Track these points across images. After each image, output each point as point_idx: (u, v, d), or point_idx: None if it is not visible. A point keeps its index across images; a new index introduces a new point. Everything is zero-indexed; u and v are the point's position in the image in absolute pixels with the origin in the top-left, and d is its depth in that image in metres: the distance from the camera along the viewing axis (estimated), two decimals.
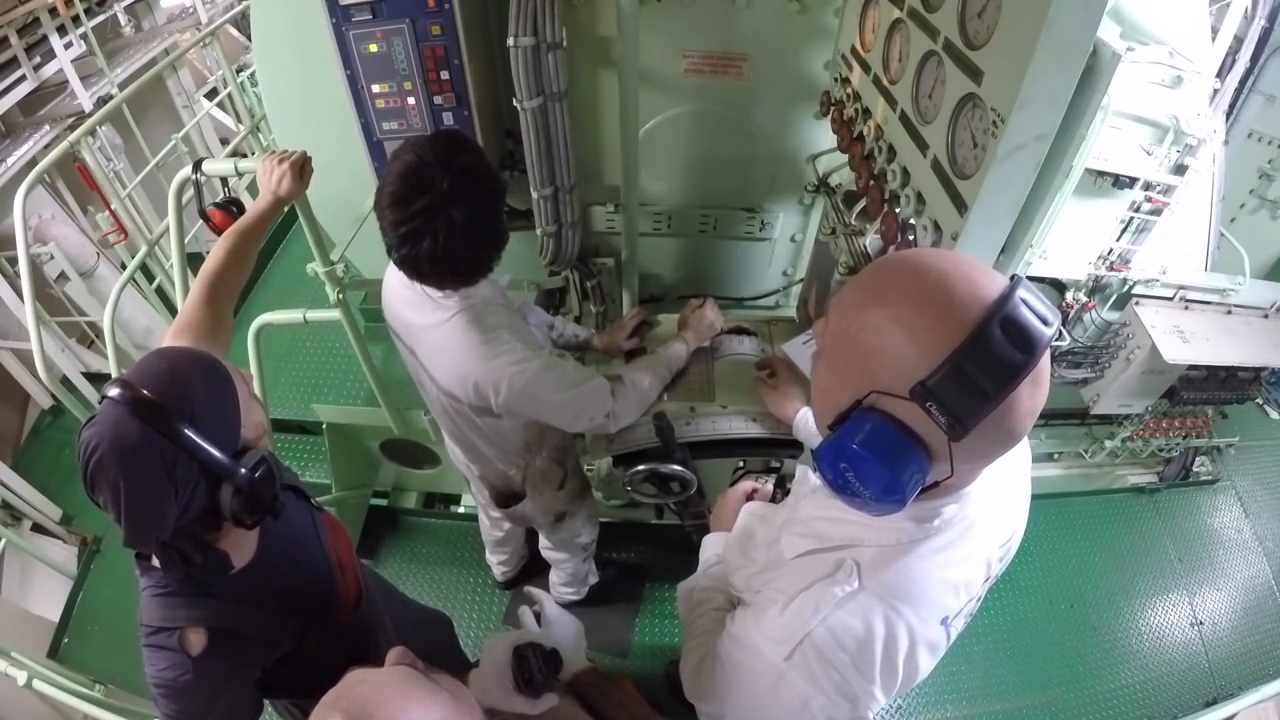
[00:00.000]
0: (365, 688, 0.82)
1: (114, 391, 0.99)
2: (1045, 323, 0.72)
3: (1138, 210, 2.34)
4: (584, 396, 1.67)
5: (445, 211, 1.34)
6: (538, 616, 1.36)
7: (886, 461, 0.76)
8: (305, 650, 1.29)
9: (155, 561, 1.13)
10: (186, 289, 1.82)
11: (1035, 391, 0.74)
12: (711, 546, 1.42)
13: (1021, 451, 1.09)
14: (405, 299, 1.63)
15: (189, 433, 1.00)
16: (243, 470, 1.05)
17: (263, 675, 1.28)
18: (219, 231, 1.68)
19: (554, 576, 2.67)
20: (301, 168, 1.63)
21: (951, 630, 0.95)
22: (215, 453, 1.02)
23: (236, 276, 1.52)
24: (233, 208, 1.80)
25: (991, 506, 0.96)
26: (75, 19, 5.75)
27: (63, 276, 5.01)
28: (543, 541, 2.49)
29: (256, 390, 2.46)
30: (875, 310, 0.78)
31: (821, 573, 0.93)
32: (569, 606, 2.75)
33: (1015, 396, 0.72)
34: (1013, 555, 1.07)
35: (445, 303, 1.56)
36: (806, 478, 1.17)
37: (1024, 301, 0.72)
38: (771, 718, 1.00)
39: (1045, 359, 0.74)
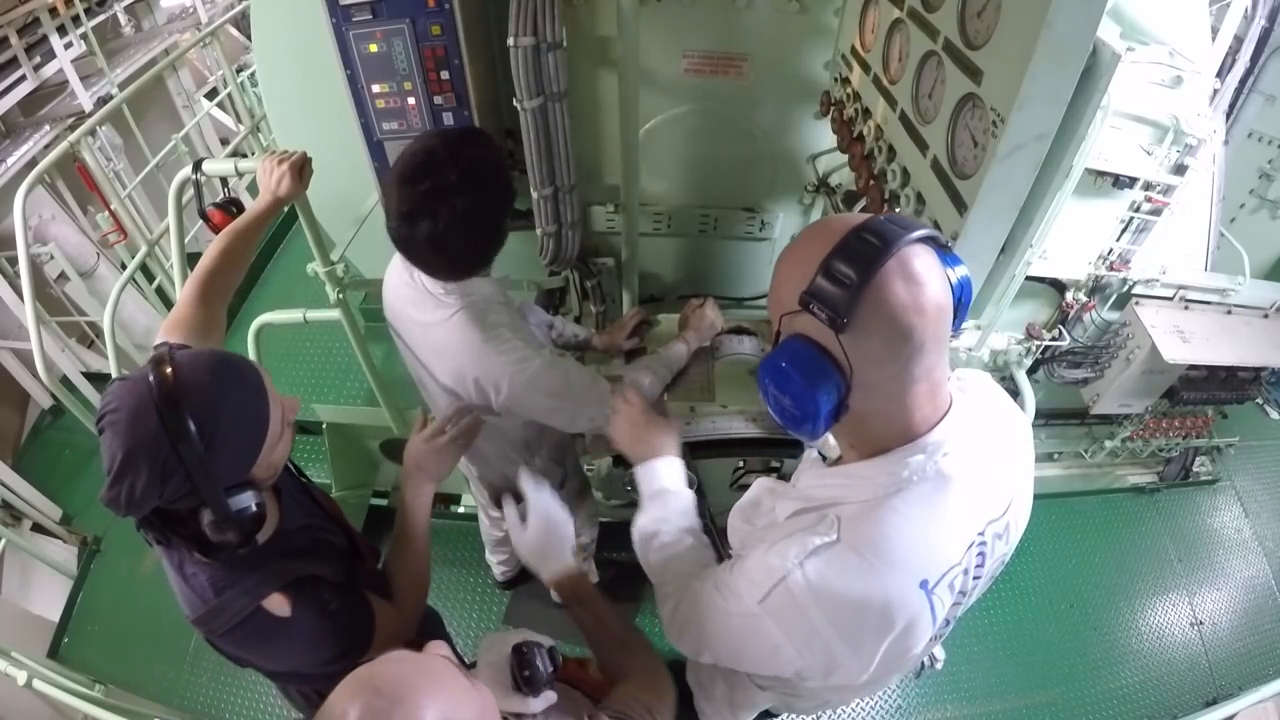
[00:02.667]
0: (403, 669, 0.81)
1: (153, 373, 0.99)
2: (904, 228, 0.85)
3: (1138, 210, 2.34)
4: (584, 397, 1.66)
5: (448, 198, 1.36)
6: (521, 512, 1.39)
7: (797, 368, 0.88)
8: (361, 586, 1.32)
9: (191, 563, 1.13)
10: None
11: (911, 288, 0.83)
12: (650, 476, 1.41)
13: (1016, 433, 1.11)
14: (406, 297, 1.63)
15: (197, 453, 0.99)
16: (230, 508, 1.04)
17: None
18: (219, 232, 1.67)
19: None
20: (301, 168, 1.62)
21: (936, 599, 0.95)
22: (212, 483, 1.02)
23: (231, 275, 1.52)
24: (233, 208, 1.80)
25: (975, 470, 0.98)
26: (75, 19, 5.75)
27: (63, 276, 5.00)
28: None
29: None
30: (783, 256, 0.94)
31: (804, 526, 0.99)
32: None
33: (886, 286, 0.83)
34: (1014, 542, 1.08)
35: (446, 300, 1.56)
36: (807, 459, 1.21)
37: (886, 219, 0.87)
38: (745, 661, 1.08)
39: (924, 265, 0.85)
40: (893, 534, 0.93)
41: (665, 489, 1.40)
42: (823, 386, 0.87)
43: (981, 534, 0.99)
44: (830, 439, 1.09)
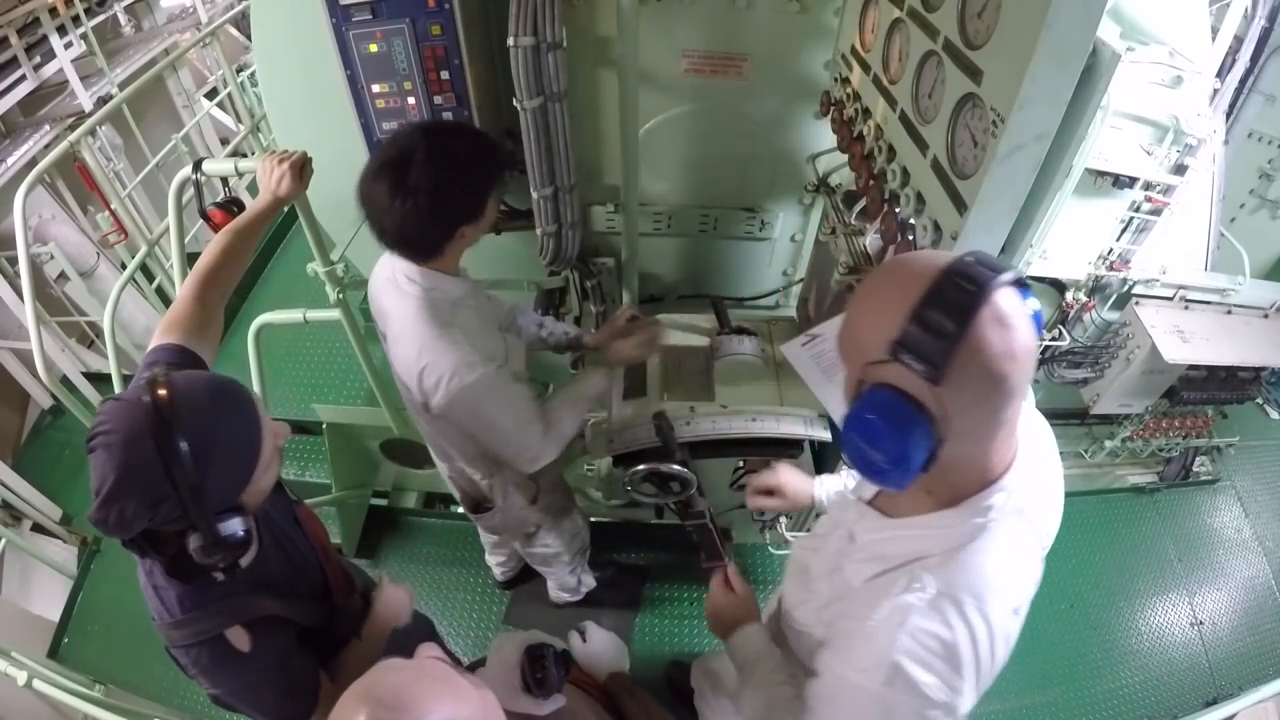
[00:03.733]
0: (401, 677, 0.82)
1: (148, 396, 0.98)
2: (994, 270, 0.82)
3: (1138, 210, 2.34)
4: (518, 429, 1.68)
5: (411, 175, 1.40)
6: (582, 635, 1.47)
7: (887, 421, 0.84)
8: (337, 632, 1.34)
9: (160, 576, 1.13)
10: None
11: (1005, 332, 0.81)
12: (744, 642, 1.34)
13: (1050, 447, 1.13)
14: (383, 288, 1.64)
15: (189, 479, 0.98)
16: (220, 533, 1.04)
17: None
18: (219, 231, 1.68)
19: (550, 584, 2.68)
20: (301, 168, 1.62)
21: (1022, 616, 0.98)
22: (203, 508, 1.01)
23: (230, 275, 1.52)
24: (233, 207, 1.81)
25: (1037, 497, 1.00)
26: (75, 19, 5.75)
27: (63, 276, 5.00)
28: (525, 549, 2.47)
29: (256, 390, 2.47)
30: (860, 299, 0.90)
31: (895, 590, 0.94)
32: (566, 606, 2.75)
33: (981, 335, 0.80)
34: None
35: (409, 288, 1.57)
36: (845, 505, 1.19)
37: (973, 259, 0.84)
38: None
39: (1015, 309, 0.82)
40: (988, 573, 0.92)
41: (760, 650, 1.32)
42: (915, 439, 0.84)
43: (1043, 548, 1.04)
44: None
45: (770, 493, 1.62)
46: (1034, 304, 0.87)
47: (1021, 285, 0.86)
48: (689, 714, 2.28)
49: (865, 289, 0.91)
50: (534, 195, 2.06)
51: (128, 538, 1.04)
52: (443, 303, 1.57)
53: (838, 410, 1.05)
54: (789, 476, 1.61)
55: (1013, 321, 0.81)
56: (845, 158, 1.75)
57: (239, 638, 1.17)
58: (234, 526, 1.05)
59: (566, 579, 2.59)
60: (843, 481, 1.57)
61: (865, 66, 1.69)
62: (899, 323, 0.82)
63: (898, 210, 1.44)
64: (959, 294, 0.80)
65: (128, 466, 0.96)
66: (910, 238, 1.40)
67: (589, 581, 2.71)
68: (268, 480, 1.13)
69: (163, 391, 0.99)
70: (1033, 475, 0.99)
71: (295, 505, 1.49)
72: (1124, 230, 2.40)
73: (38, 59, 5.70)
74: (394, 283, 1.59)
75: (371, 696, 0.78)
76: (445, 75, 1.85)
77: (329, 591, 1.44)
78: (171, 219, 2.11)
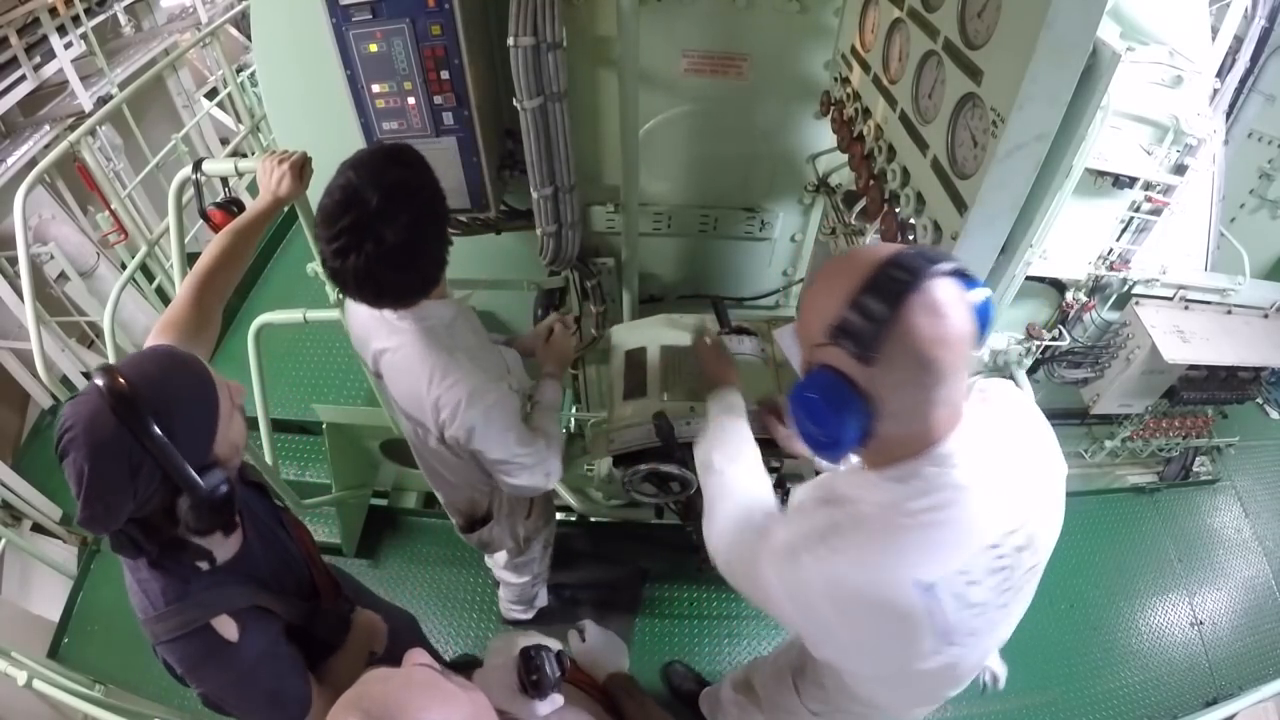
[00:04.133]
0: (387, 687, 0.82)
1: (100, 380, 1.00)
2: (931, 261, 0.89)
3: (1138, 210, 2.34)
4: (530, 447, 1.67)
5: (373, 230, 1.30)
6: (581, 634, 1.45)
7: (825, 399, 0.93)
8: (319, 633, 1.33)
9: (145, 570, 1.14)
10: None
11: (936, 319, 0.87)
12: (722, 397, 1.52)
13: (1040, 441, 1.15)
14: (370, 327, 1.61)
15: (160, 439, 1.00)
16: (203, 486, 1.04)
17: None
18: (219, 231, 1.67)
19: (502, 593, 2.65)
20: (301, 168, 1.62)
21: (941, 601, 0.97)
22: (181, 464, 1.02)
23: (228, 276, 1.51)
24: (233, 207, 1.80)
25: (991, 481, 1.00)
26: (75, 19, 5.75)
27: (63, 276, 5.00)
28: (491, 560, 2.45)
29: (256, 390, 2.47)
30: (811, 289, 0.99)
31: (822, 514, 1.07)
32: (515, 623, 2.74)
33: (911, 320, 0.86)
34: (1044, 552, 1.10)
35: (400, 324, 1.53)
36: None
37: (911, 252, 0.91)
38: (758, 599, 1.15)
39: (949, 298, 0.88)
40: (898, 535, 0.97)
41: (733, 405, 1.51)
42: (849, 416, 0.92)
43: (998, 545, 1.00)
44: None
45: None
46: (981, 294, 0.93)
47: (963, 276, 0.92)
48: (688, 714, 2.28)
49: (816, 278, 0.99)
50: (534, 195, 2.06)
51: (118, 526, 1.05)
52: (439, 329, 1.55)
53: None
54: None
55: (944, 309, 0.87)
56: (845, 158, 1.75)
57: (226, 627, 1.16)
58: (216, 479, 1.06)
59: (528, 590, 2.58)
60: None
61: (865, 66, 1.69)
62: (838, 309, 0.90)
63: (898, 210, 1.44)
64: (892, 282, 0.88)
65: (96, 447, 0.97)
66: (910, 238, 1.40)
67: (544, 597, 2.70)
68: (236, 432, 1.14)
69: (111, 373, 1.01)
70: (991, 457, 1.00)
71: (281, 510, 1.49)
72: (1124, 230, 2.40)
73: (38, 59, 5.70)
74: (383, 320, 1.55)
75: (360, 708, 0.78)
76: (445, 75, 1.85)
77: (316, 592, 1.45)
78: (171, 219, 2.11)
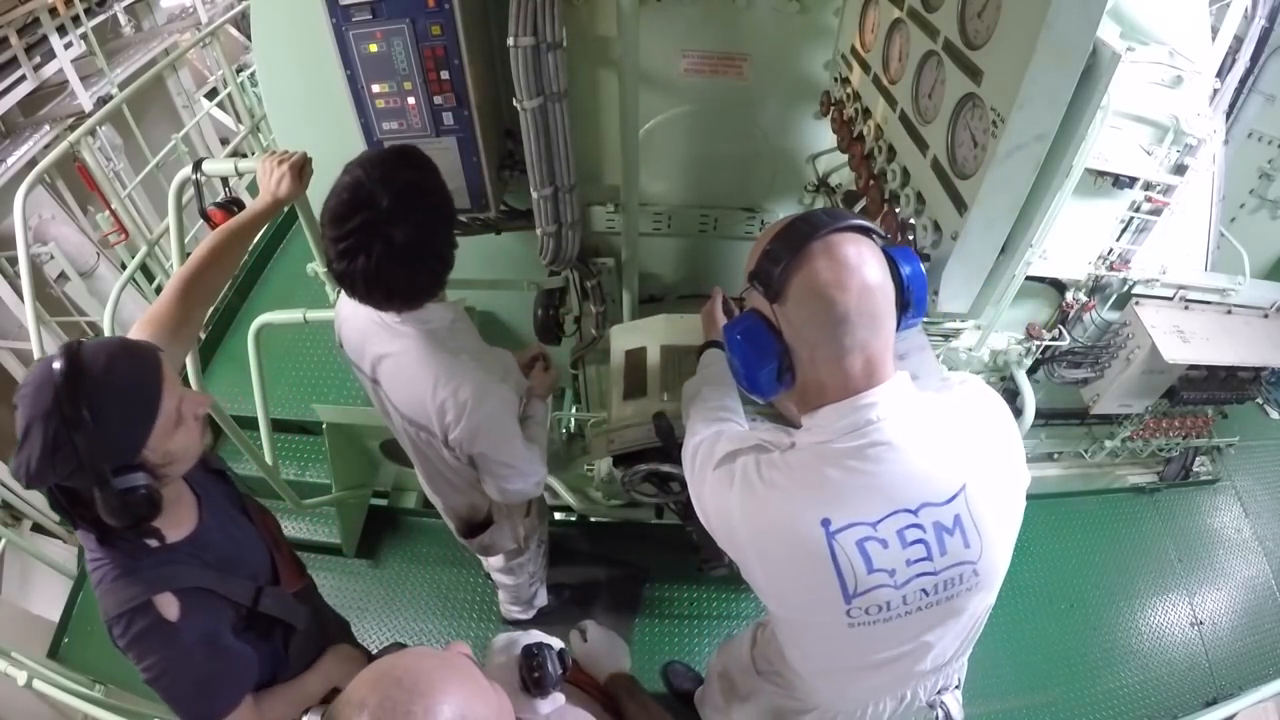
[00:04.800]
0: (424, 663, 0.82)
1: (58, 363, 1.05)
2: (834, 217, 1.02)
3: (1138, 210, 2.34)
4: (525, 451, 1.68)
5: (382, 230, 1.29)
6: (583, 634, 1.45)
7: (745, 337, 1.07)
8: (263, 609, 1.34)
9: (95, 544, 1.17)
10: None
11: (833, 265, 0.97)
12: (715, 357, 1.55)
13: (997, 434, 1.12)
14: (362, 331, 1.60)
15: (87, 429, 1.04)
16: (114, 484, 1.07)
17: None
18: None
19: (502, 595, 2.65)
20: (301, 169, 1.62)
21: (837, 545, 1.03)
22: (97, 458, 1.05)
23: (217, 276, 1.50)
24: (233, 207, 1.80)
25: (915, 447, 1.03)
26: (75, 19, 5.76)
27: (63, 276, 5.02)
28: (489, 563, 2.44)
29: (256, 390, 2.48)
30: (753, 247, 1.10)
31: (764, 435, 1.17)
32: (515, 624, 2.74)
33: (809, 263, 0.98)
34: (976, 546, 1.06)
35: (403, 329, 1.52)
36: None
37: (826, 211, 1.05)
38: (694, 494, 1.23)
39: (851, 250, 0.98)
40: (813, 472, 1.05)
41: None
42: (764, 350, 1.05)
43: (914, 513, 1.03)
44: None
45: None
46: (909, 267, 1.04)
47: (869, 233, 1.03)
48: (689, 714, 2.28)
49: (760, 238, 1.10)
50: (534, 195, 2.06)
51: (40, 487, 1.10)
52: (441, 331, 1.54)
53: None
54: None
55: (845, 259, 0.98)
56: (845, 158, 1.75)
57: (168, 605, 1.19)
58: (133, 481, 1.08)
59: (525, 590, 2.57)
60: None
61: (865, 66, 1.68)
62: (757, 258, 1.04)
63: (898, 210, 1.44)
64: (795, 231, 1.01)
65: (32, 417, 1.04)
66: (910, 237, 1.40)
67: (544, 596, 2.68)
68: (179, 444, 1.15)
69: (69, 354, 1.06)
70: (922, 427, 1.04)
71: (244, 497, 1.52)
72: (1124, 230, 2.40)
73: (38, 59, 5.71)
74: (382, 325, 1.54)
75: (390, 677, 0.78)
76: (445, 75, 1.85)
77: (277, 579, 1.47)
78: (171, 219, 2.11)
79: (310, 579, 1.68)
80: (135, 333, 1.34)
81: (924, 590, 1.06)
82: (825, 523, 1.02)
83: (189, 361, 2.16)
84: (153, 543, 1.17)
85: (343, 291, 1.45)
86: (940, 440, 1.05)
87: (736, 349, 1.08)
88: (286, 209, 1.76)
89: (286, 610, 1.42)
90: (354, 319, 1.60)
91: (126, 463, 1.08)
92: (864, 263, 0.98)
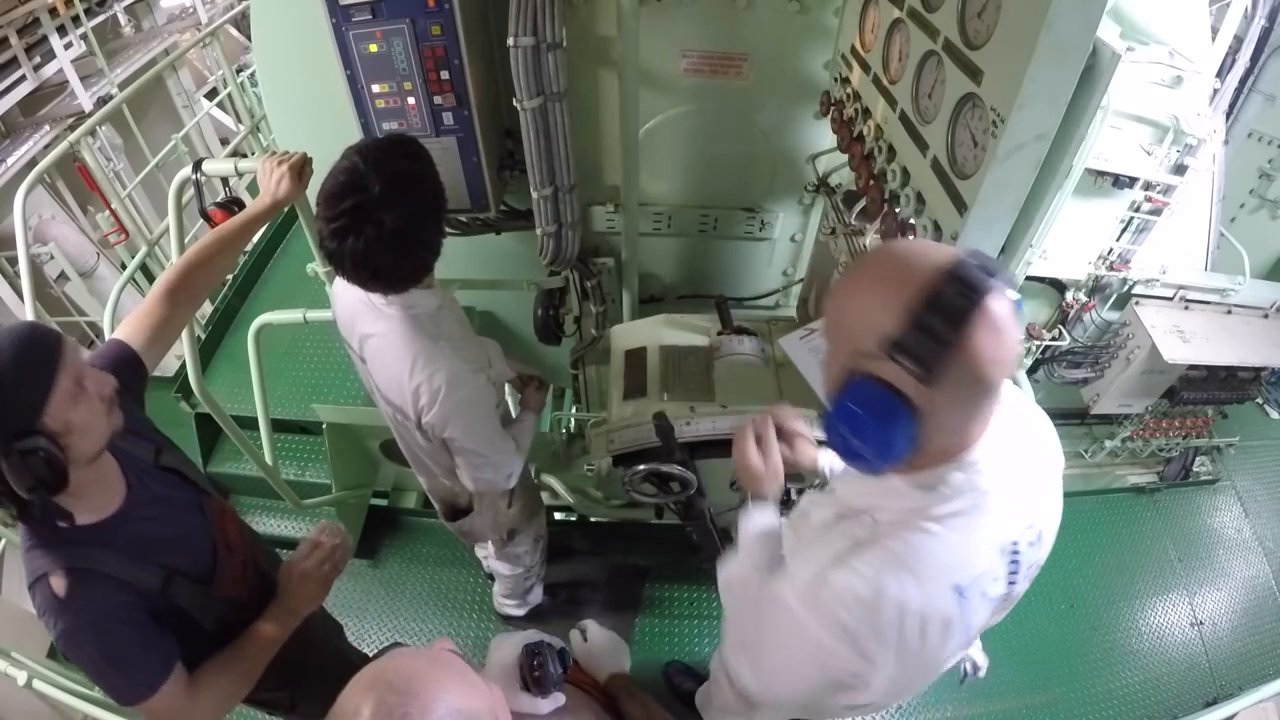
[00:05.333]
0: (413, 663, 0.82)
1: None
2: (990, 274, 0.84)
3: (1138, 210, 2.34)
4: (498, 444, 1.71)
5: (372, 215, 1.34)
6: (583, 634, 1.44)
7: (875, 414, 0.88)
8: (174, 599, 1.34)
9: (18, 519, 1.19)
10: None
11: (997, 339, 0.83)
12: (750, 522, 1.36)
13: (1043, 438, 1.15)
14: (353, 310, 1.63)
15: None
16: (15, 448, 1.09)
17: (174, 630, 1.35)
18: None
19: (496, 587, 2.65)
20: (301, 169, 1.62)
21: (971, 602, 0.96)
22: None
23: (208, 275, 1.51)
24: (234, 207, 1.80)
25: (1009, 482, 0.99)
26: (75, 19, 5.76)
27: (63, 276, 5.02)
28: (481, 551, 2.45)
29: (256, 390, 2.47)
30: (853, 288, 0.92)
31: (843, 529, 1.03)
32: (509, 619, 2.73)
33: (975, 342, 0.82)
34: (1047, 546, 1.10)
35: (388, 310, 1.56)
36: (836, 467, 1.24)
37: (970, 262, 0.85)
38: (786, 665, 1.09)
39: (1007, 314, 0.84)
40: (929, 543, 0.95)
41: (768, 529, 1.34)
42: (899, 432, 0.88)
43: (1015, 541, 1.01)
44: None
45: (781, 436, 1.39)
46: (1014, 296, 0.90)
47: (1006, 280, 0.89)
48: (689, 714, 2.28)
49: (862, 277, 0.92)
50: (534, 195, 2.06)
51: None
52: (424, 317, 1.57)
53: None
54: (803, 426, 1.42)
55: (1004, 327, 0.84)
56: (845, 158, 1.75)
57: (58, 583, 1.21)
58: (34, 443, 1.11)
59: (520, 584, 2.57)
60: None
61: (865, 66, 1.69)
62: (896, 322, 0.84)
63: (898, 210, 1.44)
64: (958, 300, 0.82)
65: None
66: (910, 237, 1.40)
67: (539, 594, 2.68)
68: (80, 417, 1.17)
69: None
70: (1008, 458, 1.00)
71: (205, 497, 1.51)
72: (1124, 230, 2.40)
73: (38, 59, 5.71)
74: (370, 305, 1.58)
75: (383, 681, 0.78)
76: (445, 75, 1.85)
77: (212, 579, 1.45)
78: (171, 219, 2.10)
79: (263, 581, 1.62)
80: (120, 329, 1.37)
81: (1004, 596, 1.06)
82: (957, 588, 0.95)
83: (189, 361, 2.16)
84: (62, 524, 1.20)
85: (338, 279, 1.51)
86: (1021, 464, 1.04)
87: (862, 426, 0.89)
88: (287, 210, 1.76)
89: (197, 606, 1.40)
90: (345, 296, 1.64)
91: (26, 427, 1.11)
92: (1014, 324, 0.86)
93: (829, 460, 1.56)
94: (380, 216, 1.35)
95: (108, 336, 2.51)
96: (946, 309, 0.82)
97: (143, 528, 1.32)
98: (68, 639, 1.24)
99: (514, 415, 2.04)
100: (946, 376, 0.83)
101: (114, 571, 1.26)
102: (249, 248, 3.99)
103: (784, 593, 1.04)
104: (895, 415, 0.87)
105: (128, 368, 1.39)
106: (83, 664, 1.28)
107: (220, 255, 1.54)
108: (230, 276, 3.80)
